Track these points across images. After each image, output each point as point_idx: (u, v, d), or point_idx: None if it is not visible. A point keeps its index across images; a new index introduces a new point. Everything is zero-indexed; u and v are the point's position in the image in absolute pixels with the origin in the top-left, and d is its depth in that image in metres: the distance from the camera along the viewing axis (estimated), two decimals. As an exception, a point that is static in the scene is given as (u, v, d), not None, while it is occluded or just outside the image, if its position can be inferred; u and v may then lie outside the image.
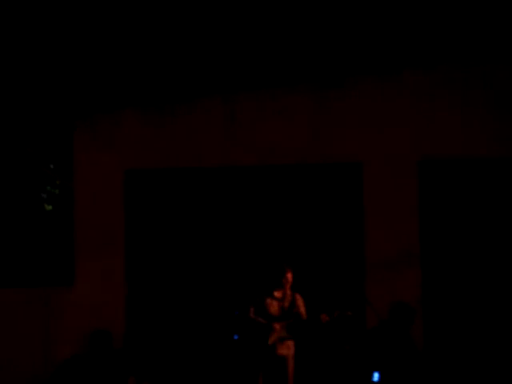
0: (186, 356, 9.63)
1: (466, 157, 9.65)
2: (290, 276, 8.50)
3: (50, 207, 10.47)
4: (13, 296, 9.76)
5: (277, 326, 8.35)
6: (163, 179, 9.92)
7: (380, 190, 9.63)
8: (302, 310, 8.51)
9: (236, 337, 9.08)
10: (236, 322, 8.91)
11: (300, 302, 8.53)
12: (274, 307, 8.48)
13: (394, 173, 9.64)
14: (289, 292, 8.53)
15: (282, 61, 9.28)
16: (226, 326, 9.37)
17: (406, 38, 9.06)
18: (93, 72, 9.13)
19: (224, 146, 9.77)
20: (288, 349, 8.47)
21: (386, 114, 9.68)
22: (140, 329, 9.77)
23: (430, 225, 9.71)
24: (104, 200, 9.79)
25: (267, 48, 9.00)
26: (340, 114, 9.71)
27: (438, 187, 9.75)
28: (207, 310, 9.68)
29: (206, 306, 9.69)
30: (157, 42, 8.67)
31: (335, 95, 9.70)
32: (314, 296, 9.40)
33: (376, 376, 8.54)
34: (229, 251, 9.78)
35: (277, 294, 8.54)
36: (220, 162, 9.77)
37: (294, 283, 8.75)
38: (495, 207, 9.68)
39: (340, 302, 8.76)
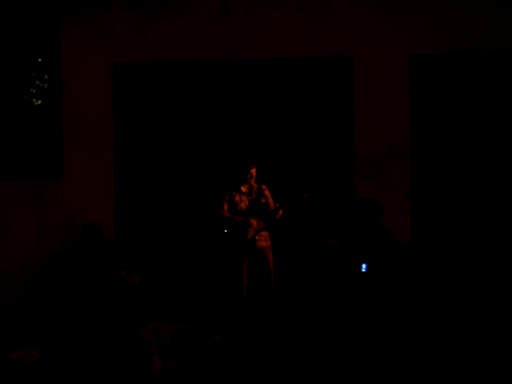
0: (176, 249, 9.73)
1: (460, 51, 9.53)
2: (253, 172, 8.63)
3: (39, 102, 10.42)
4: (3, 188, 9.79)
5: (252, 221, 8.54)
6: (152, 73, 9.81)
7: (370, 85, 9.53)
8: (270, 200, 8.69)
9: (225, 231, 9.17)
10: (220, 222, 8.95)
11: (267, 191, 8.72)
12: (243, 202, 8.65)
13: (385, 67, 9.53)
14: (255, 185, 8.69)
15: None
16: (213, 221, 9.40)
17: None
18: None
19: (216, 38, 9.63)
20: (266, 240, 8.69)
21: (378, 6, 9.53)
22: (130, 223, 9.84)
23: (421, 120, 9.66)
24: (93, 94, 9.69)
25: None
26: (330, 7, 9.56)
27: (430, 82, 9.66)
28: (195, 203, 9.74)
29: (194, 200, 9.75)
30: None
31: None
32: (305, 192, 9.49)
33: (364, 267, 8.66)
34: (219, 146, 9.79)
35: (243, 188, 8.70)
36: (211, 55, 9.65)
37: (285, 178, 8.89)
38: (490, 103, 9.61)
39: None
